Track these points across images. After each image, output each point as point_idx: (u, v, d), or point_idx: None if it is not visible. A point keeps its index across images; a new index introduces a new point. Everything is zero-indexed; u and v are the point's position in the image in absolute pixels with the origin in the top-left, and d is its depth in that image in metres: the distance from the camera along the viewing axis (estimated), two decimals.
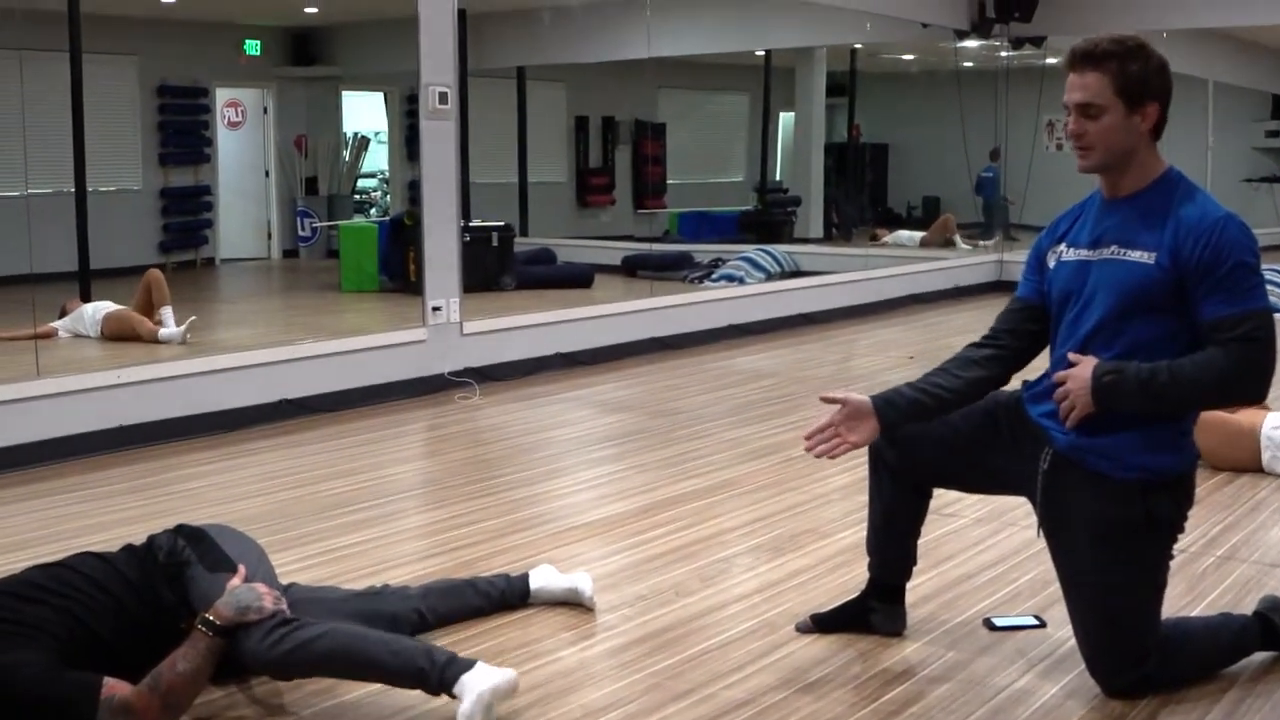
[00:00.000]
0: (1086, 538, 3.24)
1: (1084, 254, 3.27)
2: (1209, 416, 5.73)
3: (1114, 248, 3.21)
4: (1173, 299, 3.11)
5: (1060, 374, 3.19)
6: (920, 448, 3.57)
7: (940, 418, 3.43)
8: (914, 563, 3.79)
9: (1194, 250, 3.07)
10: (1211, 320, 3.06)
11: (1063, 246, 3.35)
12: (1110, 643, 3.28)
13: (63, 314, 8.94)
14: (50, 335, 8.65)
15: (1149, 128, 3.18)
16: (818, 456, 3.37)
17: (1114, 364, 3.11)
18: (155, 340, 8.51)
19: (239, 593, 3.22)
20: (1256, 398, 3.16)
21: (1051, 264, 3.37)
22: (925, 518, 3.76)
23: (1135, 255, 3.15)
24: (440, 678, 3.11)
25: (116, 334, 8.72)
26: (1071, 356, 3.19)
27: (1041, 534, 3.42)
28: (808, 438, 3.38)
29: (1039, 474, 3.31)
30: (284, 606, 3.25)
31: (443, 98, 8.01)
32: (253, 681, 3.45)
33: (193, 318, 8.75)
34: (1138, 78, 3.14)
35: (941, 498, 4.56)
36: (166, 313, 8.86)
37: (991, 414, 3.48)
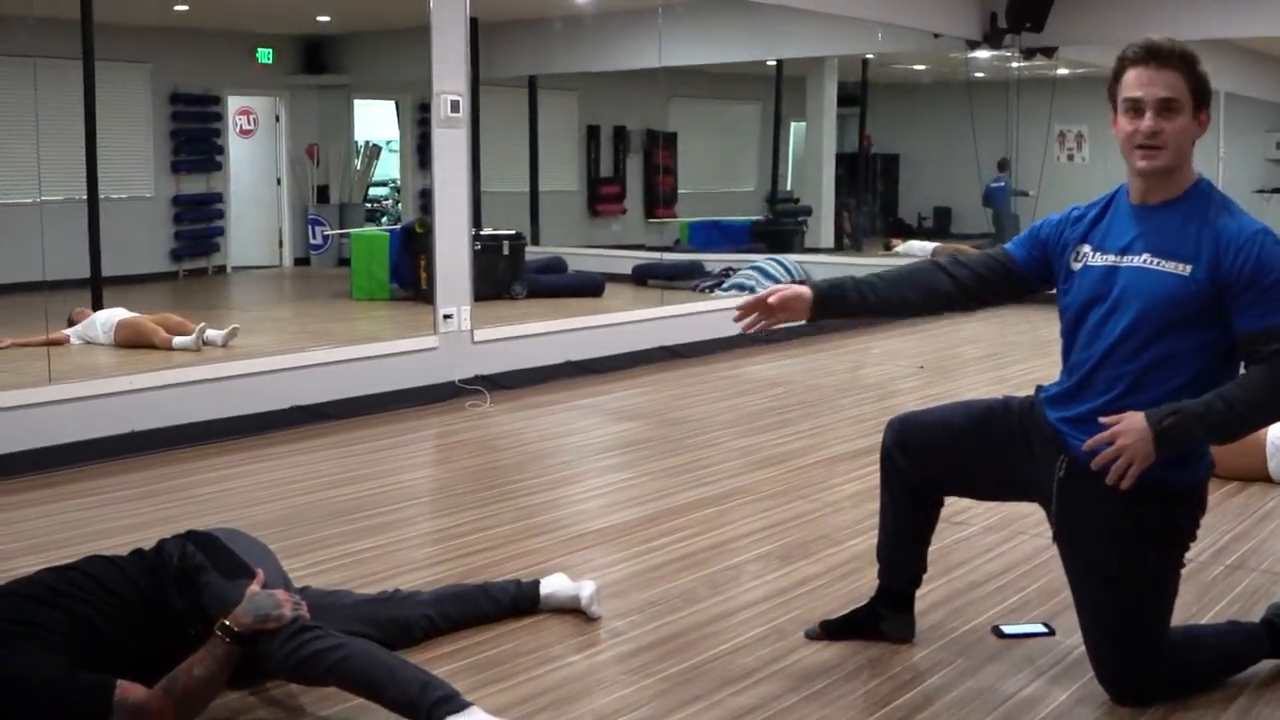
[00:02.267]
0: (1101, 544, 3.24)
1: (1111, 259, 3.24)
2: None
3: (1146, 256, 3.18)
4: (1207, 312, 3.09)
5: (1106, 435, 3.08)
6: (933, 455, 3.58)
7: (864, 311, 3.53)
8: (924, 570, 3.79)
9: (1235, 263, 3.04)
10: (1251, 332, 3.03)
11: (1087, 248, 3.31)
12: (1120, 649, 3.28)
13: (70, 324, 8.95)
14: (62, 342, 8.68)
15: (1199, 135, 3.18)
16: (745, 330, 3.43)
17: (1168, 407, 3.05)
18: (169, 348, 8.53)
19: (258, 599, 3.24)
20: None
21: (1076, 267, 3.33)
22: (936, 526, 3.76)
23: (1170, 266, 3.13)
24: (428, 713, 3.07)
25: (129, 342, 8.74)
26: (1105, 420, 3.10)
27: (1043, 540, 3.42)
28: (740, 309, 3.44)
29: (1054, 481, 3.30)
30: (304, 612, 3.26)
31: (454, 106, 8.04)
32: (268, 685, 3.47)
33: (235, 325, 8.81)
34: (1206, 82, 3.15)
35: (952, 505, 4.56)
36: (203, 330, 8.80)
37: (1005, 421, 3.48)
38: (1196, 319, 3.11)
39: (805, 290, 3.44)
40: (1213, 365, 3.12)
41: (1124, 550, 3.22)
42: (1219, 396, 3.03)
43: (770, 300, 3.41)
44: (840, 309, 3.50)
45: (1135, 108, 3.15)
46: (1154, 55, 3.13)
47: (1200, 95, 3.14)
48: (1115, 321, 3.21)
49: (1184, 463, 3.20)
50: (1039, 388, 3.47)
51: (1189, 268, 3.11)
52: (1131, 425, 3.04)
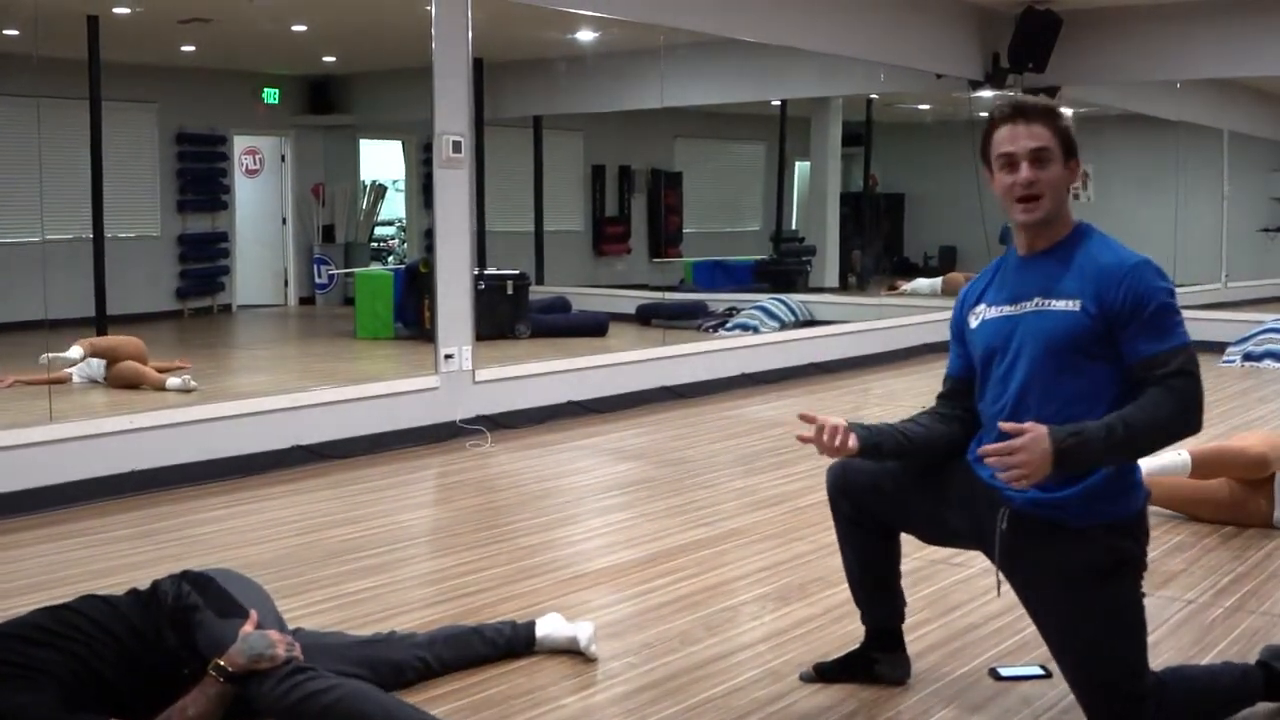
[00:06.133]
0: (1057, 589, 3.24)
1: (1006, 310, 3.30)
2: (1212, 456, 5.66)
3: (1038, 300, 3.24)
4: (1100, 345, 3.14)
5: (1006, 446, 3.07)
6: (874, 500, 3.59)
7: (903, 460, 3.48)
8: (903, 603, 3.78)
9: (1117, 296, 3.12)
10: (1143, 359, 3.09)
11: (981, 306, 3.39)
12: (1101, 690, 3.24)
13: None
14: (65, 380, 8.71)
15: (1072, 183, 3.28)
16: (804, 442, 3.40)
17: (1070, 428, 3.06)
18: (162, 388, 8.54)
19: (252, 639, 3.24)
20: (1197, 429, 3.16)
21: (974, 324, 3.40)
22: (901, 557, 3.73)
23: (1060, 304, 3.19)
24: None
25: (123, 382, 8.76)
26: (1008, 427, 3.10)
27: (1001, 593, 3.40)
28: (807, 421, 3.42)
29: (998, 535, 3.29)
30: (297, 653, 3.27)
31: (456, 146, 8.07)
32: None
33: (186, 375, 8.77)
34: (1071, 133, 3.26)
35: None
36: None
37: (940, 473, 3.48)
38: (1094, 352, 3.15)
39: (851, 441, 3.36)
40: (1120, 399, 3.14)
41: (1080, 589, 3.20)
42: (1120, 419, 3.06)
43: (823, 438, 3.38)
44: (877, 457, 3.46)
45: (1010, 162, 3.25)
46: (1021, 111, 3.25)
47: (1068, 145, 3.25)
48: (1019, 368, 3.25)
49: (1123, 496, 3.21)
50: (972, 444, 3.47)
51: (1078, 302, 3.17)
52: (1034, 442, 3.04)
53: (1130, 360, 3.12)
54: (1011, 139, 3.24)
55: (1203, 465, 5.53)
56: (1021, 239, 3.34)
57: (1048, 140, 3.21)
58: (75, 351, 8.43)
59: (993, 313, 3.34)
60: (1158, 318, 3.11)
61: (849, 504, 3.63)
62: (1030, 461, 3.04)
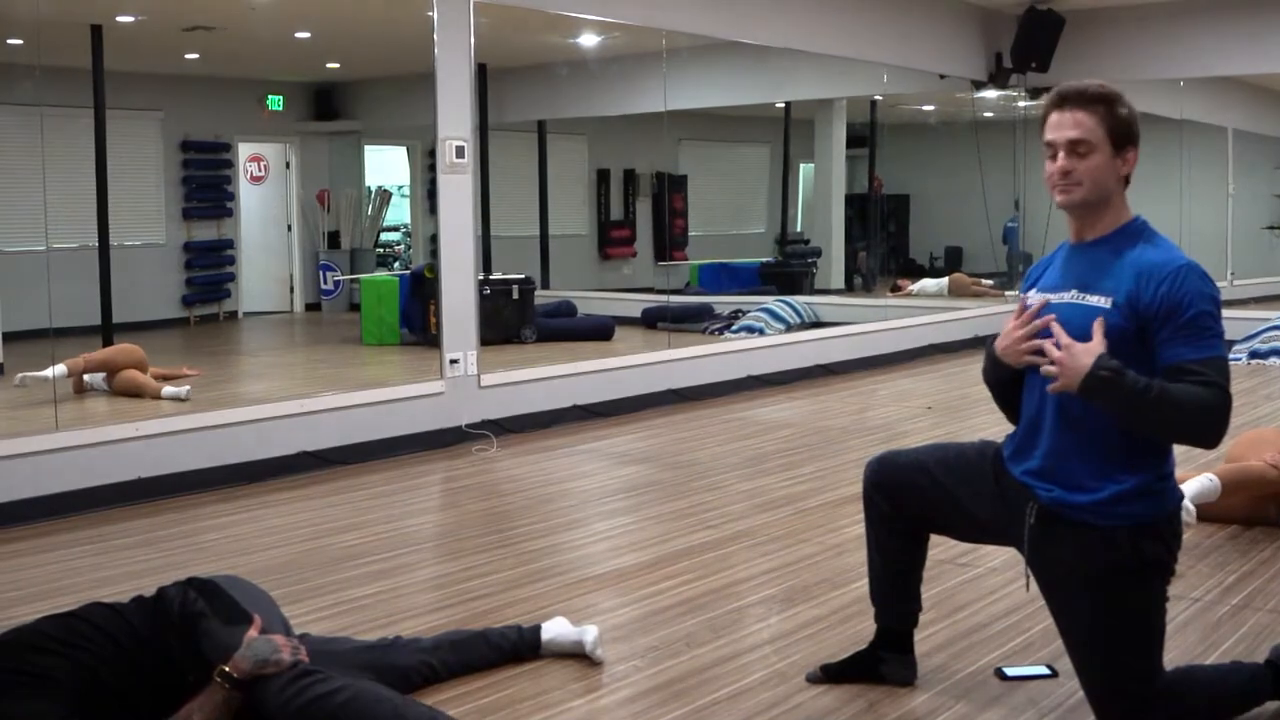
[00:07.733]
0: (1079, 587, 3.22)
1: (1050, 297, 3.28)
2: (1237, 477, 5.64)
3: (1074, 291, 3.23)
4: (1130, 344, 3.10)
5: (1065, 342, 3.08)
6: (911, 497, 3.59)
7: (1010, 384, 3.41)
8: (919, 608, 3.78)
9: (1155, 295, 3.09)
10: (1176, 364, 3.05)
11: (1032, 292, 3.37)
12: (1114, 690, 3.24)
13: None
14: (84, 389, 8.76)
15: (1127, 173, 3.22)
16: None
17: (1116, 364, 3.04)
18: (159, 397, 8.56)
19: (256, 645, 3.24)
20: (1214, 444, 3.12)
21: None
22: (925, 562, 3.75)
23: (1094, 300, 3.17)
24: None
25: (124, 390, 8.78)
26: (1059, 335, 3.10)
27: (1031, 588, 3.39)
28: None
29: (1026, 529, 3.29)
30: (303, 656, 3.27)
31: (459, 151, 8.07)
32: None
33: (184, 385, 8.82)
34: (1126, 122, 3.19)
35: (957, 547, 4.57)
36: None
37: (980, 465, 3.48)
38: (1122, 351, 3.09)
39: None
40: None
41: (1103, 590, 3.19)
42: (1160, 385, 3.03)
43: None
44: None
45: (1051, 150, 3.23)
46: (1065, 99, 3.22)
47: (1119, 134, 3.19)
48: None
49: (1152, 499, 3.19)
50: (1006, 439, 3.47)
51: (1110, 299, 3.15)
52: (1083, 353, 3.05)
53: (1162, 364, 3.08)
54: (1055, 127, 3.21)
55: (1231, 488, 5.52)
56: (1072, 226, 3.31)
57: (1090, 129, 3.16)
58: (58, 370, 8.43)
59: (1034, 300, 3.31)
60: (1195, 324, 3.06)
61: (885, 501, 3.64)
62: (1068, 367, 3.05)
